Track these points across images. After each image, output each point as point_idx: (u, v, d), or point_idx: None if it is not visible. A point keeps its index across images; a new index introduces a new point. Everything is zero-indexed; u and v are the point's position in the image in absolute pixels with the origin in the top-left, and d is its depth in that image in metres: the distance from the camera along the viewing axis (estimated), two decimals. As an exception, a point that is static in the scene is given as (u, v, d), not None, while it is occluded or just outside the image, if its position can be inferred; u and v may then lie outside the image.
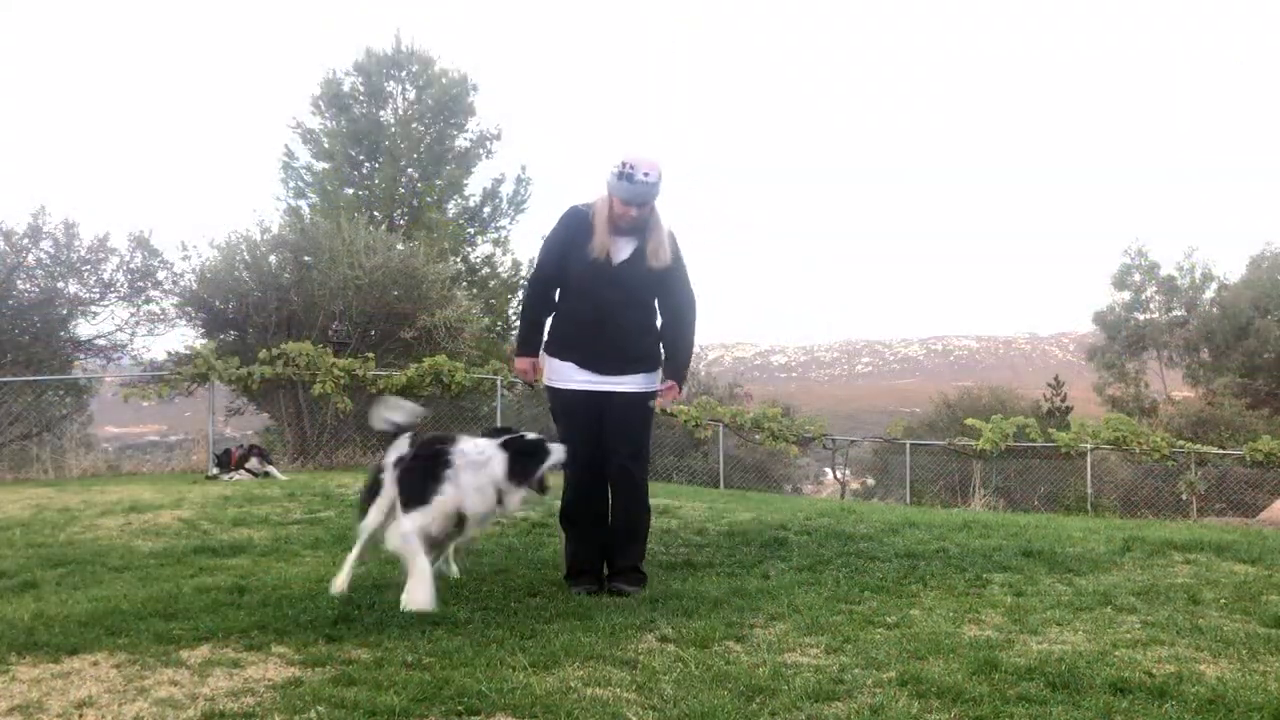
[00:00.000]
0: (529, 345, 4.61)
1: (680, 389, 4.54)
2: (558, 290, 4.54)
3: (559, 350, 4.51)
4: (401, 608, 3.85)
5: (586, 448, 4.45)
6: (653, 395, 4.50)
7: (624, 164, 4.22)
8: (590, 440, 4.43)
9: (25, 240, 15.71)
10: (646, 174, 4.22)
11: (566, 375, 4.47)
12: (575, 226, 4.42)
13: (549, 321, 4.60)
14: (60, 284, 16.21)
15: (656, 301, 4.53)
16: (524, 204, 25.81)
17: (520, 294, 23.98)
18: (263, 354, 13.51)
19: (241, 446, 11.49)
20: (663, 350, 4.58)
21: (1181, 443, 17.58)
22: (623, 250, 4.38)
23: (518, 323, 23.21)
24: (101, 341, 16.62)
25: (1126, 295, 39.49)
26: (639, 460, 4.49)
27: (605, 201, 4.34)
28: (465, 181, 25.24)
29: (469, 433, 4.50)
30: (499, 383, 14.13)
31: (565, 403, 4.49)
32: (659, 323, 4.57)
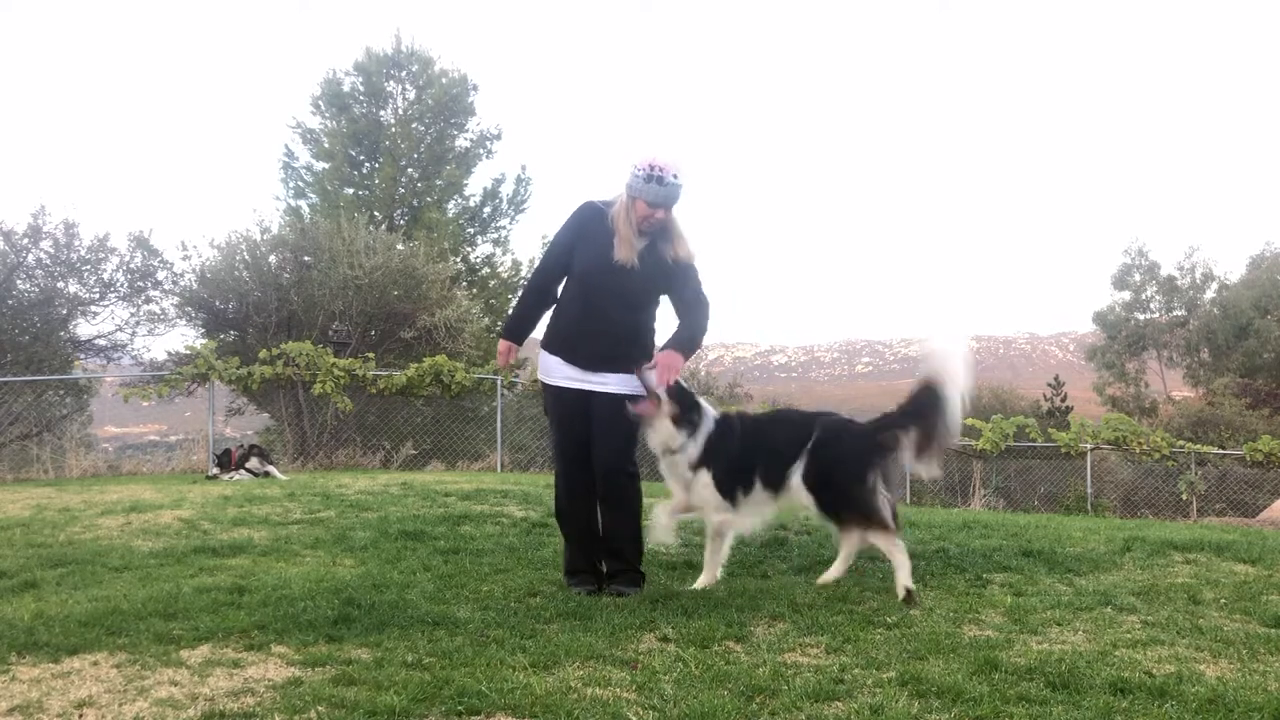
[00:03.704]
0: (512, 331, 4.62)
1: (683, 362, 4.29)
2: (561, 284, 4.51)
3: (549, 344, 4.48)
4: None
5: (574, 449, 4.43)
6: (636, 399, 4.34)
7: (652, 166, 4.18)
8: (577, 438, 4.40)
9: (25, 240, 15.73)
10: (675, 175, 4.21)
11: (552, 370, 4.45)
12: (589, 222, 4.37)
13: (548, 315, 4.57)
14: (60, 284, 16.23)
15: (669, 298, 4.45)
16: (524, 204, 25.82)
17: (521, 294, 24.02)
18: (263, 354, 13.51)
19: (241, 446, 11.47)
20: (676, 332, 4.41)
21: (1181, 443, 17.58)
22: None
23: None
24: (101, 341, 16.65)
25: (1126, 295, 39.57)
26: (625, 465, 4.39)
27: (629, 204, 4.26)
28: (465, 181, 25.25)
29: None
30: (499, 383, 14.13)
31: (553, 399, 4.49)
32: (660, 324, 4.52)
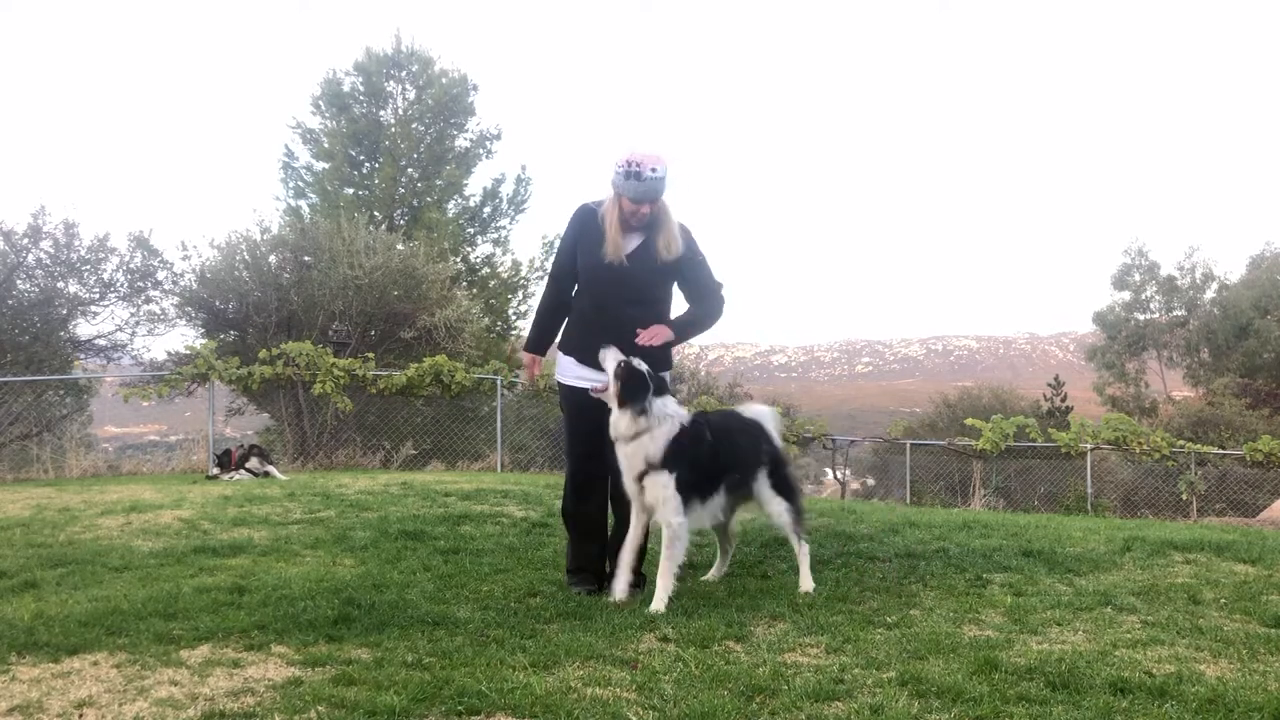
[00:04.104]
0: (534, 344, 4.70)
1: (670, 335, 4.30)
2: (574, 289, 4.55)
3: (563, 345, 4.56)
4: None
5: (584, 445, 4.44)
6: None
7: (629, 162, 4.19)
8: (589, 437, 4.42)
9: (25, 240, 15.72)
10: (654, 169, 4.19)
11: (566, 370, 4.50)
12: (584, 225, 4.41)
13: (566, 319, 4.62)
14: (60, 284, 16.22)
15: (679, 289, 4.49)
16: (524, 204, 25.80)
17: (521, 294, 24.07)
18: (263, 354, 13.51)
19: (241, 446, 11.47)
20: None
21: (1181, 443, 17.58)
22: (628, 246, 4.34)
23: (520, 321, 23.35)
24: (101, 341, 16.63)
25: (1126, 295, 39.56)
26: None
27: (614, 201, 4.30)
28: (465, 181, 25.23)
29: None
30: (499, 383, 14.13)
31: (566, 398, 4.53)
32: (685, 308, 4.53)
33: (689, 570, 4.91)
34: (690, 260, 4.42)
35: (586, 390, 4.36)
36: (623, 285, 4.34)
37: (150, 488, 8.58)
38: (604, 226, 4.31)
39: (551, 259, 4.83)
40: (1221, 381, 32.09)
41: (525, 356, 4.75)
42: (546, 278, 4.70)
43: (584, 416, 4.42)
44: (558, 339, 4.64)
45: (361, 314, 16.25)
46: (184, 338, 17.41)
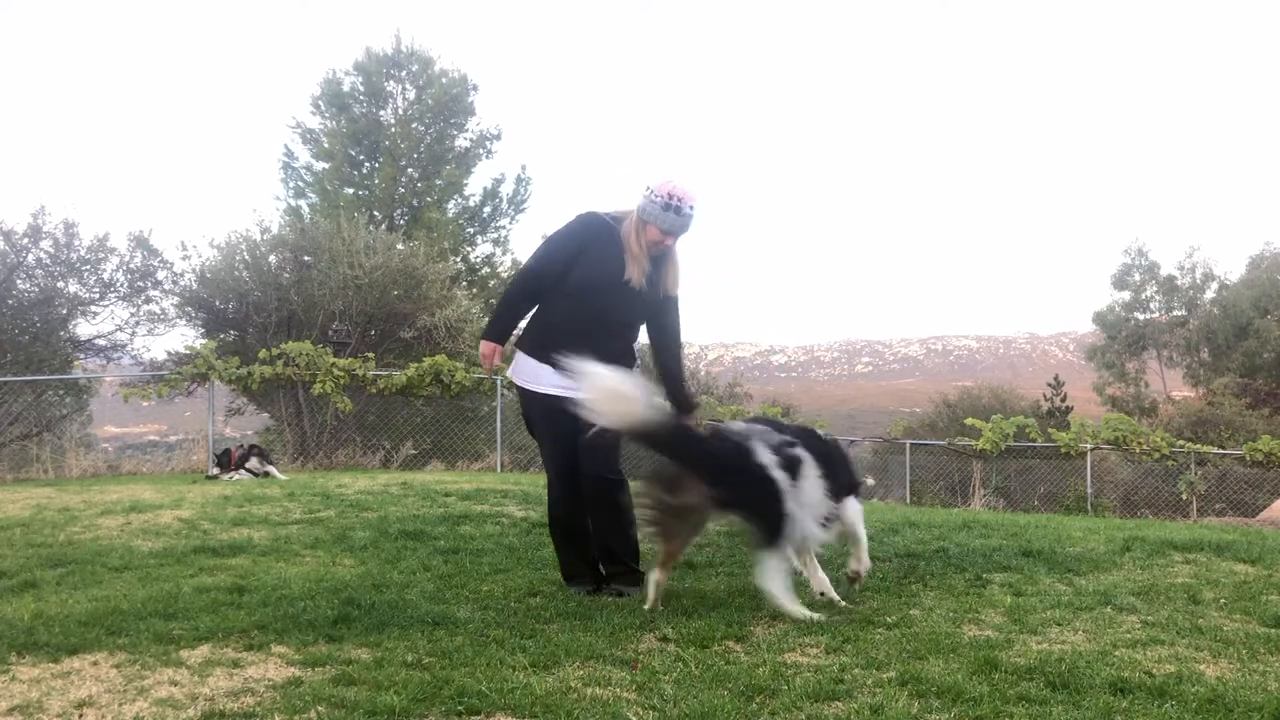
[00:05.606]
0: (498, 331, 4.50)
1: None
2: (552, 289, 4.46)
3: (538, 352, 4.38)
4: None
5: (567, 454, 4.40)
6: None
7: (671, 195, 4.17)
8: (568, 448, 4.36)
9: (25, 240, 15.73)
10: (691, 206, 4.21)
11: (542, 378, 4.37)
12: (594, 236, 4.32)
13: (530, 318, 4.50)
14: (60, 284, 16.23)
15: (650, 326, 4.47)
16: (524, 204, 25.85)
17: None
18: (263, 354, 13.51)
19: (241, 446, 11.47)
20: (661, 374, 4.46)
21: (1181, 443, 17.58)
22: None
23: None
24: (101, 341, 16.64)
25: (1126, 295, 39.65)
26: (612, 475, 4.36)
27: (639, 226, 4.25)
28: (465, 181, 25.28)
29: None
30: (499, 383, 14.13)
31: (542, 408, 4.40)
32: (656, 349, 4.54)
33: (689, 570, 4.92)
34: (673, 302, 4.44)
35: (563, 398, 4.23)
36: (626, 309, 4.33)
37: (150, 488, 8.58)
38: (627, 247, 4.26)
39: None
40: (1221, 381, 32.14)
41: (485, 345, 4.49)
42: (526, 270, 4.53)
43: (562, 423, 4.29)
44: (524, 340, 4.50)
45: (361, 314, 16.26)
46: (184, 338, 17.47)
